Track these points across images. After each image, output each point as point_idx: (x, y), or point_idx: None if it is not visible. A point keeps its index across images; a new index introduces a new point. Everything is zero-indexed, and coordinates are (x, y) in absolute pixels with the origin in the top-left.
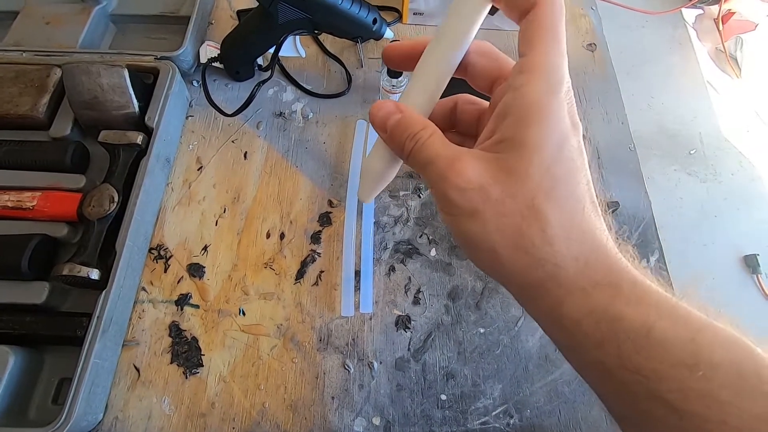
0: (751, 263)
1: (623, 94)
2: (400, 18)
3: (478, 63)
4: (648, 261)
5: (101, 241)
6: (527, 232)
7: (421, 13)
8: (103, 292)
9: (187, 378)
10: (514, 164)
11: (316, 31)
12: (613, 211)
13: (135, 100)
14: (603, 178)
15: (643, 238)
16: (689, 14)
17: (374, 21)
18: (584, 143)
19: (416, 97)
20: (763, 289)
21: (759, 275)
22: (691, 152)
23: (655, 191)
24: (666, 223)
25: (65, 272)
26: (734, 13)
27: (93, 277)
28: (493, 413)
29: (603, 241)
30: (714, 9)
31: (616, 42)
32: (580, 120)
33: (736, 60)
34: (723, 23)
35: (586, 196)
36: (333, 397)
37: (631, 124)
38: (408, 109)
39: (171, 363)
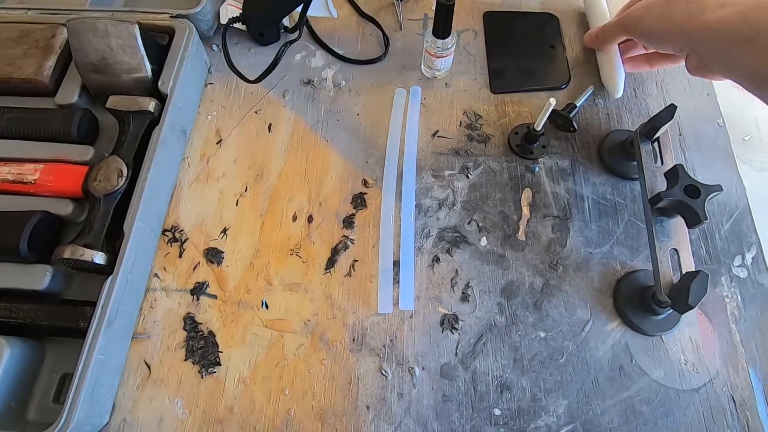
0: None
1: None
2: None
3: None
4: (743, 258)
5: (108, 220)
6: None
7: None
8: (109, 279)
9: (203, 378)
10: None
11: None
12: (712, 197)
13: (147, 62)
14: (687, 159)
15: (737, 231)
16: None
17: None
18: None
19: None
20: None
21: None
22: (746, 138)
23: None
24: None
25: (66, 255)
26: None
27: (98, 261)
28: None
29: None
30: None
31: None
32: (661, 91)
33: None
34: None
35: None
36: (368, 407)
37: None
38: None
39: (185, 360)
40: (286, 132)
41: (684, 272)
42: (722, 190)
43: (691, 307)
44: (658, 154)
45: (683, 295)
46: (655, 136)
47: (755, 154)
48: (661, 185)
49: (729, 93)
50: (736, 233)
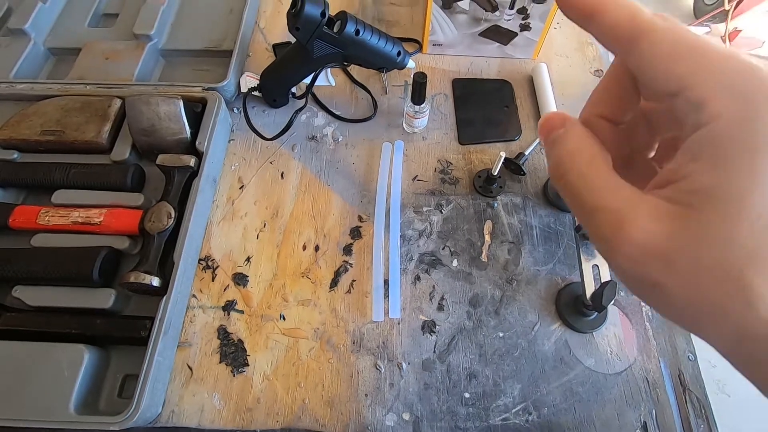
0: None
1: None
2: (420, 48)
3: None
4: None
5: (160, 252)
6: (731, 310)
7: (440, 44)
8: (164, 298)
9: (234, 376)
10: (714, 225)
11: (345, 63)
12: None
13: (188, 127)
14: None
15: None
16: (697, 32)
17: (398, 53)
18: None
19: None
20: None
21: None
22: None
23: None
24: None
25: (132, 280)
26: (740, 30)
27: (155, 284)
28: (513, 410)
29: None
30: (721, 27)
31: None
32: None
33: None
34: (730, 40)
35: None
36: (366, 395)
37: None
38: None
39: (220, 362)
40: (296, 178)
41: (602, 282)
42: None
43: (605, 308)
44: None
45: (599, 299)
46: None
47: None
48: None
49: None
50: None
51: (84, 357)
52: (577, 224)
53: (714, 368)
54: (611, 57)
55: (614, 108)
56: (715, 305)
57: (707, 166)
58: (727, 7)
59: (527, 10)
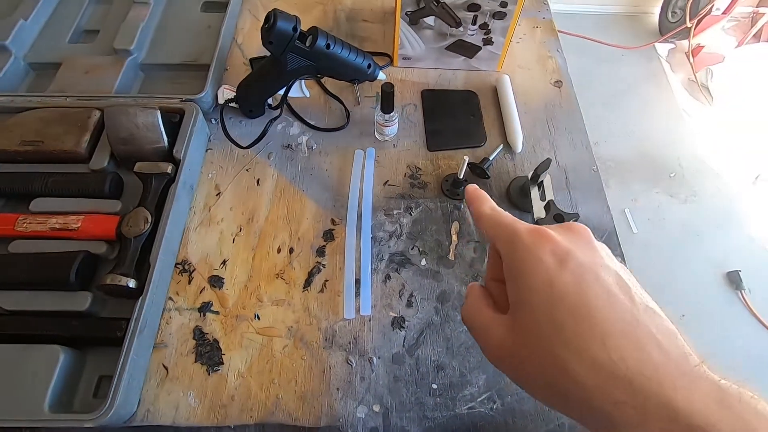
0: (734, 279)
1: (604, 122)
2: (391, 62)
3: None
4: None
5: (137, 255)
6: (559, 383)
7: (409, 58)
8: (140, 299)
9: (209, 375)
10: (526, 324)
11: (319, 75)
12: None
13: (165, 137)
14: (571, 196)
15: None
16: (662, 48)
17: (369, 66)
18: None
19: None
20: (748, 305)
21: (742, 291)
22: (672, 175)
23: (639, 213)
24: (652, 243)
25: (108, 282)
26: (703, 46)
27: (131, 286)
28: (479, 399)
29: (649, 373)
30: (684, 43)
31: (597, 75)
32: (552, 146)
33: (707, 89)
34: (693, 56)
35: (612, 322)
36: (338, 389)
37: (613, 150)
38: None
39: (195, 362)
40: (271, 185)
41: None
42: (579, 216)
43: None
44: (543, 193)
45: None
46: (539, 181)
47: (680, 189)
48: (542, 215)
49: (653, 138)
50: None
51: (59, 358)
52: (534, 222)
53: None
54: (584, 65)
55: (496, 271)
56: (551, 384)
57: (511, 286)
58: (689, 24)
59: (488, 25)
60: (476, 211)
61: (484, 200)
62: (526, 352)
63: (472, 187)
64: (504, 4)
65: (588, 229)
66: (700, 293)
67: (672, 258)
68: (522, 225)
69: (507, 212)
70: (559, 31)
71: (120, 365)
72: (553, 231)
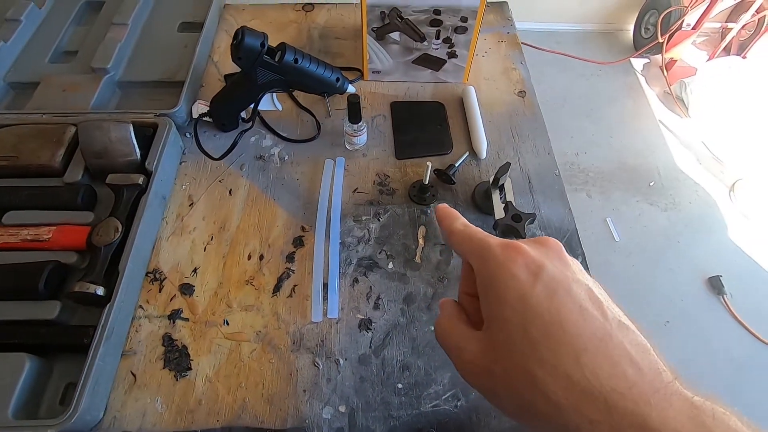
0: (715, 285)
1: (585, 134)
2: (361, 76)
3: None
4: None
5: (106, 264)
6: (533, 401)
7: (378, 72)
8: (107, 306)
9: (177, 380)
10: (499, 340)
11: (290, 89)
12: (530, 222)
13: (137, 150)
14: (534, 199)
15: (569, 246)
16: (637, 63)
17: (337, 80)
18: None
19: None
20: (730, 309)
21: (724, 296)
22: (651, 184)
23: (620, 221)
24: (634, 251)
25: (76, 289)
26: (676, 60)
27: (99, 293)
28: (443, 397)
29: (622, 391)
30: (658, 58)
31: (577, 89)
32: (516, 152)
33: (682, 101)
34: (667, 70)
35: (585, 338)
36: (304, 390)
37: (594, 161)
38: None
39: (163, 368)
40: (243, 195)
41: None
42: (536, 216)
43: None
44: (504, 196)
45: None
46: (500, 184)
47: (660, 197)
48: (502, 215)
49: (632, 148)
50: (567, 248)
51: (25, 365)
52: (494, 223)
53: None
54: (563, 79)
55: (469, 285)
56: (523, 401)
57: (484, 301)
58: (660, 39)
59: (451, 39)
60: (448, 228)
61: (455, 217)
62: (499, 368)
63: (443, 206)
64: (465, 19)
65: (559, 243)
66: (683, 299)
67: (654, 265)
68: (494, 240)
69: (478, 228)
70: (539, 48)
71: (85, 371)
72: (525, 245)
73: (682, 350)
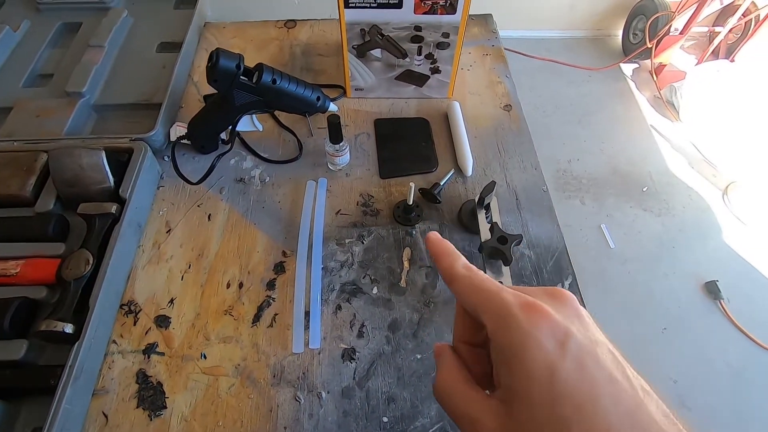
0: (712, 289)
1: (577, 141)
2: (344, 93)
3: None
4: (563, 285)
5: (77, 299)
6: None
7: (361, 89)
8: (76, 344)
9: (151, 420)
10: (522, 419)
11: (269, 109)
12: (517, 244)
13: (111, 177)
14: (522, 217)
15: (557, 266)
16: (627, 68)
17: (318, 98)
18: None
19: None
20: (727, 314)
21: (721, 300)
22: (644, 189)
23: (615, 227)
24: (629, 257)
25: (43, 328)
26: (665, 65)
27: (67, 331)
28: (430, 431)
29: None
30: (648, 63)
31: (568, 96)
32: (502, 168)
33: (673, 105)
34: (657, 74)
35: (618, 415)
36: (285, 428)
37: (587, 167)
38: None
39: (137, 408)
40: (223, 220)
41: None
42: (522, 238)
43: None
44: (490, 216)
45: None
46: (486, 204)
47: (653, 202)
48: (488, 236)
49: (624, 154)
50: (557, 268)
51: None
52: (479, 246)
53: (675, 383)
54: (553, 86)
55: (468, 335)
56: None
57: (503, 370)
58: (649, 44)
59: (434, 55)
60: (447, 273)
61: (455, 257)
62: None
63: (435, 238)
64: (446, 35)
65: (574, 296)
66: (680, 305)
67: (651, 271)
68: (510, 296)
69: (483, 273)
70: (529, 56)
71: (50, 416)
72: (545, 305)
73: (681, 357)
